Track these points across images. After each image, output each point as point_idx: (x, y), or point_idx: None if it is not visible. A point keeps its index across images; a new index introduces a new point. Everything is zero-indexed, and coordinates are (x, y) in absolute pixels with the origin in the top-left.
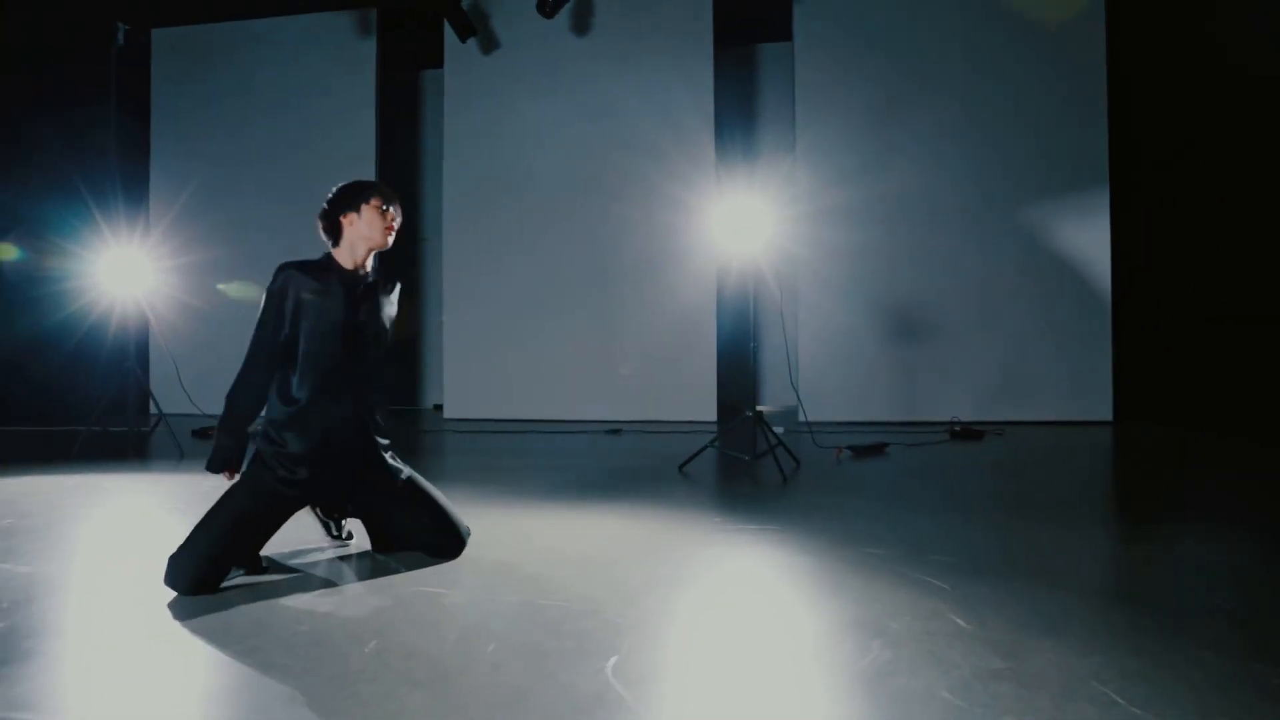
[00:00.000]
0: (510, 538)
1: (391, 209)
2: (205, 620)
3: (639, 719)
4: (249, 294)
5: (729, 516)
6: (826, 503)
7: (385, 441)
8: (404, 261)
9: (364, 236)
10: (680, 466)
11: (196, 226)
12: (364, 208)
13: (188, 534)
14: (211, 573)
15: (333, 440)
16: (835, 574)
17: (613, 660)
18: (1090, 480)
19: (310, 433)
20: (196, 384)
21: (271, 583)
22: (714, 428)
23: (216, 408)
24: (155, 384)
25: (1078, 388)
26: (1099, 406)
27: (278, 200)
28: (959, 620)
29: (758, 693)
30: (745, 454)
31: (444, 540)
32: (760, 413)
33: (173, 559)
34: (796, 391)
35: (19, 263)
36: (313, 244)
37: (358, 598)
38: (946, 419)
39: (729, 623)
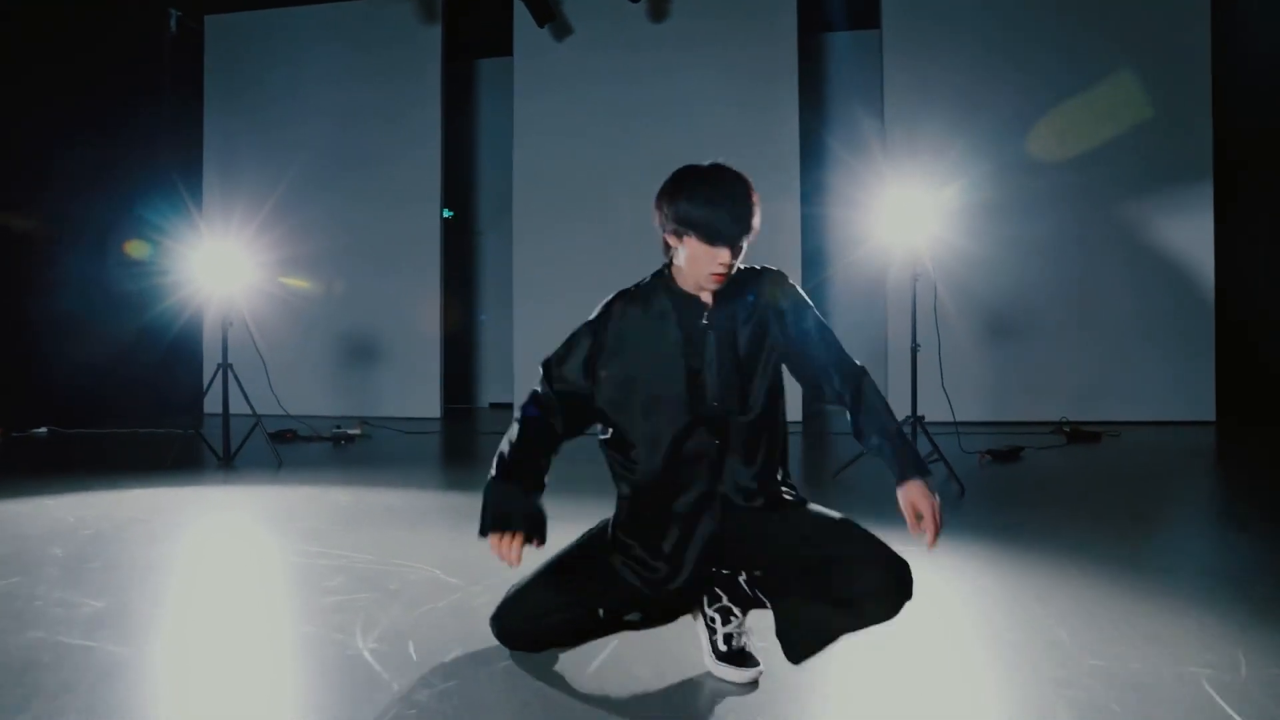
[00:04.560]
0: None
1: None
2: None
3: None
4: (308, 288)
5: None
6: (1032, 515)
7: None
8: (460, 256)
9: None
10: (835, 473)
11: (260, 219)
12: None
13: None
14: None
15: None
16: (1136, 592)
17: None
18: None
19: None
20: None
21: None
22: (800, 427)
23: (296, 407)
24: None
25: (1180, 387)
26: (1201, 406)
27: (337, 193)
28: None
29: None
30: None
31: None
32: (922, 418)
33: None
34: (946, 393)
35: (119, 259)
36: (373, 239)
37: None
38: (1050, 419)
39: (1099, 626)
